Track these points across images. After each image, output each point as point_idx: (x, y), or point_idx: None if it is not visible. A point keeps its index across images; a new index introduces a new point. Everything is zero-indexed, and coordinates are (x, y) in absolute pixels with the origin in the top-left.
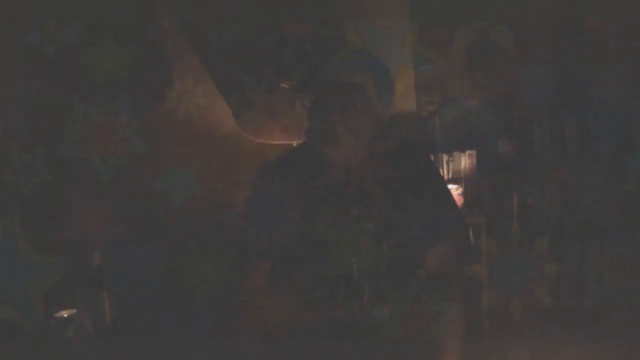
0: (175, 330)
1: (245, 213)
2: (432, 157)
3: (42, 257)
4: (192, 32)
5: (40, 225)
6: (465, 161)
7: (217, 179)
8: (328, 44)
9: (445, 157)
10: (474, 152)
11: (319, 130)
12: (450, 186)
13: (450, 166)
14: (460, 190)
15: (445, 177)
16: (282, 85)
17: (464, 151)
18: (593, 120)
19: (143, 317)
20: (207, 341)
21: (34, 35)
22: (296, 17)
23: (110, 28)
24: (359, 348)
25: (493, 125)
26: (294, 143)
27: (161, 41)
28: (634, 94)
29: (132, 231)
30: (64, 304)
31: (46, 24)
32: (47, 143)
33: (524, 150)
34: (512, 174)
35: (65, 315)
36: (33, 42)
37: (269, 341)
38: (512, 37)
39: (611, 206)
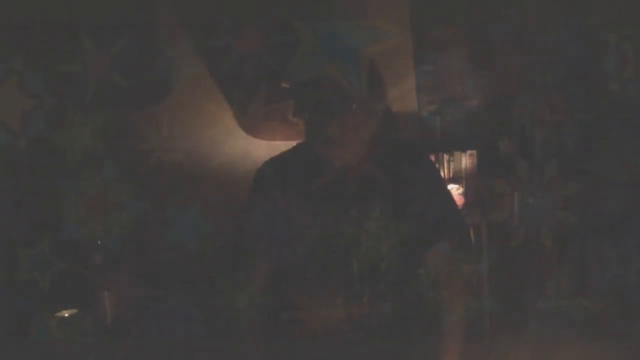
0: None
1: (245, 214)
2: (432, 157)
3: None
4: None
5: None
6: (465, 161)
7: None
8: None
9: (445, 157)
10: (474, 152)
11: (316, 130)
12: (450, 186)
13: (451, 166)
14: (460, 190)
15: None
16: (283, 85)
17: (464, 151)
18: None
19: None
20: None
21: None
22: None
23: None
24: (359, 348)
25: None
26: (294, 143)
27: None
28: None
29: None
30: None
31: None
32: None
33: None
34: None
35: (66, 315)
36: None
37: (268, 341)
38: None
39: None
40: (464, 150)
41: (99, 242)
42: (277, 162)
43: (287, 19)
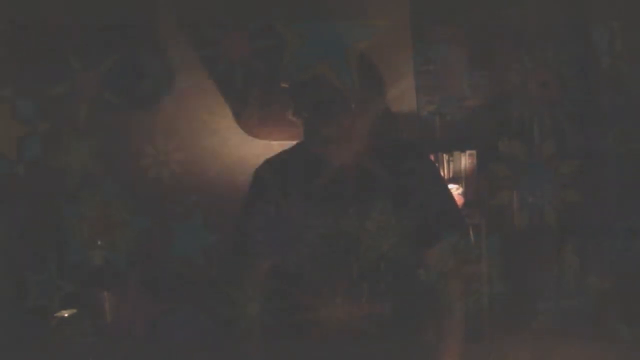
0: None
1: (243, 214)
2: (431, 157)
3: None
4: None
5: None
6: (465, 161)
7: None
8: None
9: (445, 157)
10: (474, 152)
11: (315, 130)
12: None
13: (450, 166)
14: (460, 190)
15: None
16: (282, 85)
17: (464, 151)
18: None
19: None
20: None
21: None
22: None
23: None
24: (359, 348)
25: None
26: (293, 143)
27: None
28: None
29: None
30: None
31: None
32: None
33: None
34: None
35: (66, 315)
36: None
37: (268, 341)
38: None
39: None
40: (463, 150)
41: (99, 242)
42: (276, 162)
43: (270, 22)
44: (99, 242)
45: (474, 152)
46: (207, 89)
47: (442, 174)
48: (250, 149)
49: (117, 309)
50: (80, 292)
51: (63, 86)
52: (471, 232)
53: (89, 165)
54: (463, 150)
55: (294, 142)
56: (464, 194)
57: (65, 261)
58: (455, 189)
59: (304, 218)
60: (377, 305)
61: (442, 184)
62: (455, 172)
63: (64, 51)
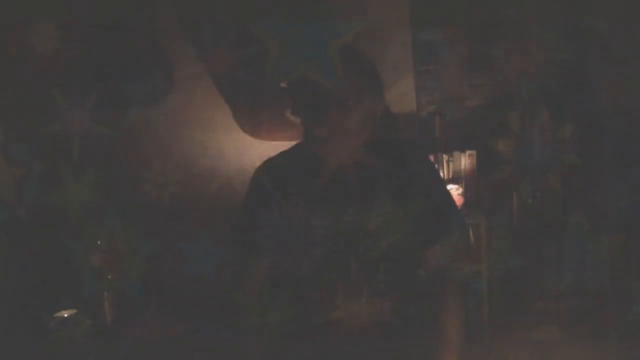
0: None
1: (243, 214)
2: (431, 157)
3: None
4: None
5: None
6: (465, 161)
7: None
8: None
9: (445, 157)
10: (474, 152)
11: (313, 130)
12: (450, 186)
13: (450, 166)
14: (460, 190)
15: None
16: (282, 85)
17: (463, 151)
18: None
19: None
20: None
21: None
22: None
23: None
24: (359, 348)
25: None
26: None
27: None
28: None
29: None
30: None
31: None
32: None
33: None
34: None
35: (66, 316)
36: None
37: (267, 341)
38: None
39: None
40: (463, 150)
41: (99, 242)
42: (276, 162)
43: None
44: (111, 274)
45: (474, 152)
46: (196, 107)
47: (441, 173)
48: (249, 161)
49: (139, 334)
50: (101, 323)
51: (53, 125)
52: (471, 232)
53: (89, 199)
54: (463, 150)
55: (294, 143)
56: (464, 194)
57: (80, 296)
58: (455, 189)
59: (303, 218)
60: (377, 305)
61: (442, 183)
62: (455, 172)
63: (50, 90)
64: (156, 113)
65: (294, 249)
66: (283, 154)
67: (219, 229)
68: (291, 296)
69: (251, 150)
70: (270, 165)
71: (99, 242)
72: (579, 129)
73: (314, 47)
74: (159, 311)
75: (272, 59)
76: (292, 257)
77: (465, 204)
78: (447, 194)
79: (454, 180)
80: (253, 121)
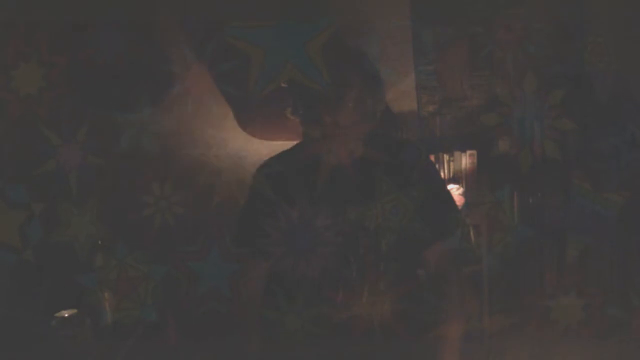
0: None
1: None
2: (431, 157)
3: None
4: None
5: None
6: (465, 161)
7: None
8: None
9: (445, 157)
10: (474, 152)
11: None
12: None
13: (451, 166)
14: (460, 190)
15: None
16: (282, 85)
17: (464, 151)
18: None
19: None
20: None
21: None
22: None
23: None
24: (358, 348)
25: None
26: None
27: None
28: None
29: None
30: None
31: None
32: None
33: None
34: None
35: (66, 315)
36: None
37: (267, 341)
38: None
39: None
40: (463, 150)
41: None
42: (276, 162)
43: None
44: (125, 303)
45: (474, 152)
46: (186, 124)
47: (441, 173)
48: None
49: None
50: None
51: (47, 164)
52: (471, 233)
53: (94, 231)
54: (463, 150)
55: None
56: (464, 194)
57: (97, 329)
58: (455, 189)
59: (303, 218)
60: (376, 304)
61: (442, 183)
62: (455, 172)
63: (40, 129)
64: (147, 135)
65: (294, 249)
66: (283, 154)
67: (227, 242)
68: (291, 296)
69: (249, 161)
70: (271, 165)
71: (109, 273)
72: (568, 93)
73: (293, 49)
74: (179, 332)
75: (254, 67)
76: (292, 257)
77: (465, 204)
78: (448, 194)
79: (454, 180)
80: (253, 121)
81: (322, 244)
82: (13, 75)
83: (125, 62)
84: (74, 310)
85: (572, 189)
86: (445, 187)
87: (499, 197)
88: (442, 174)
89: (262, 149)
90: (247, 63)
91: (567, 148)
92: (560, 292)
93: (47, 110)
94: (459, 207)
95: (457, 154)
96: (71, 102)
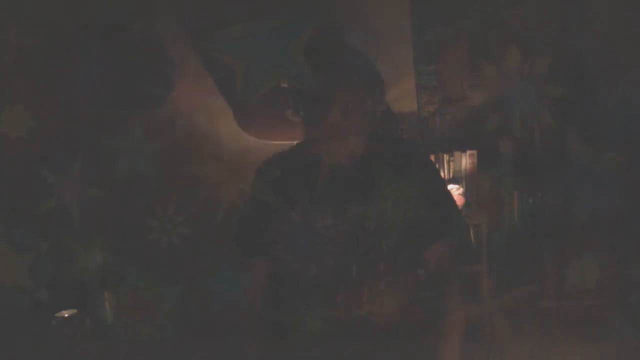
0: None
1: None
2: (431, 157)
3: None
4: None
5: None
6: (465, 161)
7: None
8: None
9: (445, 157)
10: (474, 152)
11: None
12: (450, 186)
13: (451, 166)
14: (460, 190)
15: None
16: (282, 85)
17: (464, 151)
18: None
19: None
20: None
21: None
22: None
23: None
24: (359, 348)
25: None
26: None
27: None
28: None
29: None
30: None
31: None
32: None
33: None
34: None
35: (66, 316)
36: None
37: (266, 342)
38: None
39: None
40: (463, 150)
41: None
42: (277, 162)
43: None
44: (143, 327)
45: (474, 152)
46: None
47: (441, 173)
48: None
49: None
50: None
51: (47, 202)
52: (471, 233)
53: (103, 263)
54: (463, 150)
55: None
56: (464, 194)
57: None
58: (455, 189)
59: (303, 218)
60: (376, 305)
61: (441, 183)
62: (455, 172)
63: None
64: (141, 158)
65: (294, 249)
66: (283, 154)
67: (236, 255)
68: (292, 297)
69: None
70: (271, 165)
71: (123, 300)
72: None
73: (276, 53)
74: (200, 350)
75: (241, 78)
76: (292, 257)
77: (465, 204)
78: (448, 194)
79: (454, 180)
80: (253, 122)
81: (322, 244)
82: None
83: (110, 87)
84: (74, 310)
85: (573, 153)
86: (446, 187)
87: (500, 172)
88: (442, 174)
89: (262, 156)
90: (233, 74)
91: (561, 114)
92: (574, 256)
93: (39, 149)
94: (459, 207)
95: (457, 154)
96: (63, 137)
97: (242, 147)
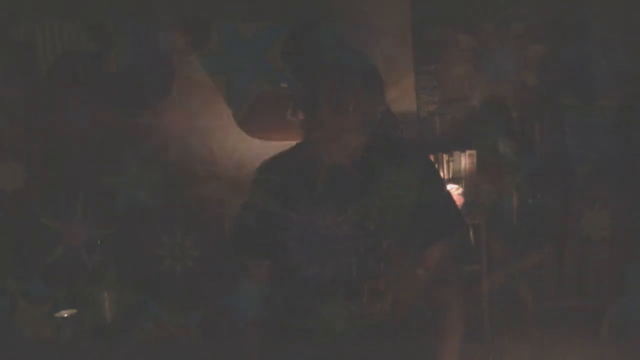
0: None
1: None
2: (431, 157)
3: None
4: None
5: None
6: (465, 161)
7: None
8: None
9: (445, 157)
10: (474, 152)
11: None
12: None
13: (450, 166)
14: (460, 190)
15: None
16: (282, 85)
17: (464, 151)
18: None
19: None
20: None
21: None
22: None
23: None
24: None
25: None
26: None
27: None
28: None
29: None
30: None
31: None
32: None
33: None
34: None
35: (66, 316)
36: None
37: (266, 342)
38: None
39: None
40: (463, 150)
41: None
42: (276, 162)
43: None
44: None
45: (474, 152)
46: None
47: (440, 174)
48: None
49: None
50: None
51: (56, 251)
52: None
53: (121, 298)
54: (463, 150)
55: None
56: (464, 194)
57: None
58: (455, 189)
59: (303, 218)
60: (376, 305)
61: (441, 184)
62: (455, 172)
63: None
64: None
65: (294, 249)
66: (283, 155)
67: (255, 273)
68: (292, 297)
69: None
70: (270, 165)
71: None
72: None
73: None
74: None
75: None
76: (292, 258)
77: (465, 204)
78: (447, 194)
79: (454, 180)
80: (253, 122)
81: (322, 245)
82: None
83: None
84: (74, 310)
85: (562, 107)
86: (445, 187)
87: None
88: (441, 174)
89: None
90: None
91: (545, 73)
92: (584, 207)
93: (38, 200)
94: (459, 207)
95: (456, 154)
96: (59, 183)
97: (237, 162)
